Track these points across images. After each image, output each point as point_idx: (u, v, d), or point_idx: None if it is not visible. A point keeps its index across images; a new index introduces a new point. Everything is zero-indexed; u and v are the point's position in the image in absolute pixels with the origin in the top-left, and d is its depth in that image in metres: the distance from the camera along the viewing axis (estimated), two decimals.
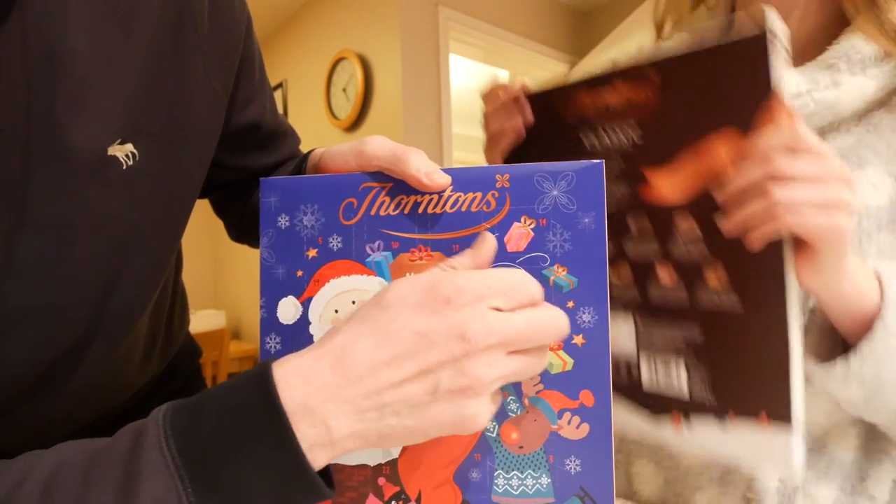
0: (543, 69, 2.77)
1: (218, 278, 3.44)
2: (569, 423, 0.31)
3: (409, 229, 0.33)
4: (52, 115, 0.30)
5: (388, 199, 0.33)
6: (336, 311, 0.34)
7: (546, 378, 0.31)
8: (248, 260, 3.08)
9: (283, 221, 0.35)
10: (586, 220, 0.31)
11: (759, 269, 0.35)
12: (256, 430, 0.24)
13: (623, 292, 0.43)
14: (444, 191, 0.32)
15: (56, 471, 0.24)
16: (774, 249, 0.35)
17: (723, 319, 0.37)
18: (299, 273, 0.35)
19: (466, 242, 0.32)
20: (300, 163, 0.48)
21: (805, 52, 0.47)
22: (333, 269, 0.34)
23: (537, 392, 0.31)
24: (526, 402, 0.31)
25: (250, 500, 0.24)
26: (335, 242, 0.34)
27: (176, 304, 0.55)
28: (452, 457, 0.32)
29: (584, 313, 0.31)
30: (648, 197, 0.40)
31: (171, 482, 0.23)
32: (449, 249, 0.32)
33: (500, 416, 0.32)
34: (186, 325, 0.59)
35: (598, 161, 0.31)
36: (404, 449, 0.33)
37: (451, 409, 0.26)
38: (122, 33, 0.33)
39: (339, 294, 0.34)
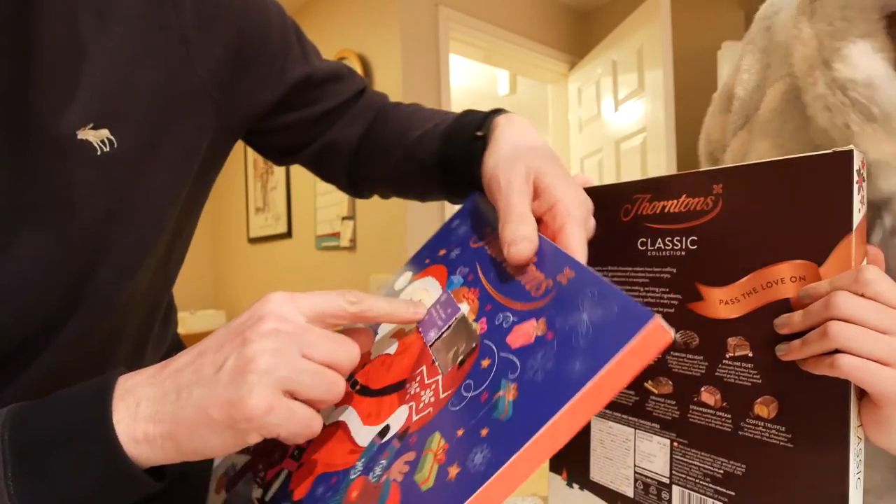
0: (543, 69, 2.77)
1: (218, 278, 3.44)
2: None
3: (486, 272, 0.35)
4: (23, 98, 0.31)
5: (496, 243, 0.36)
6: (410, 298, 0.40)
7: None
8: (248, 260, 3.08)
9: (455, 223, 0.43)
10: (577, 367, 0.24)
11: (817, 403, 0.32)
12: (81, 410, 0.27)
13: (662, 410, 0.40)
14: None
15: None
16: (835, 386, 0.31)
17: (768, 451, 0.34)
18: (427, 261, 0.42)
19: (499, 308, 0.32)
20: (483, 120, 0.45)
21: None
22: (436, 270, 0.40)
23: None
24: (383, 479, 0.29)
25: (69, 484, 0.26)
26: (454, 253, 0.40)
27: (171, 306, 0.55)
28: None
29: (483, 451, 0.25)
30: (698, 310, 0.37)
31: None
32: (486, 303, 0.33)
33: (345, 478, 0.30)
34: (175, 325, 0.59)
35: (653, 318, 0.23)
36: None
37: (231, 384, 0.27)
38: (97, 19, 0.33)
39: (419, 289, 0.40)
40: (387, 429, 0.31)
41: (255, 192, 2.96)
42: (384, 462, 0.29)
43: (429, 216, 2.11)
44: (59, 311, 0.36)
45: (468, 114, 0.48)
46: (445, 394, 0.30)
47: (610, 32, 2.43)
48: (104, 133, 0.34)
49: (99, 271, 0.37)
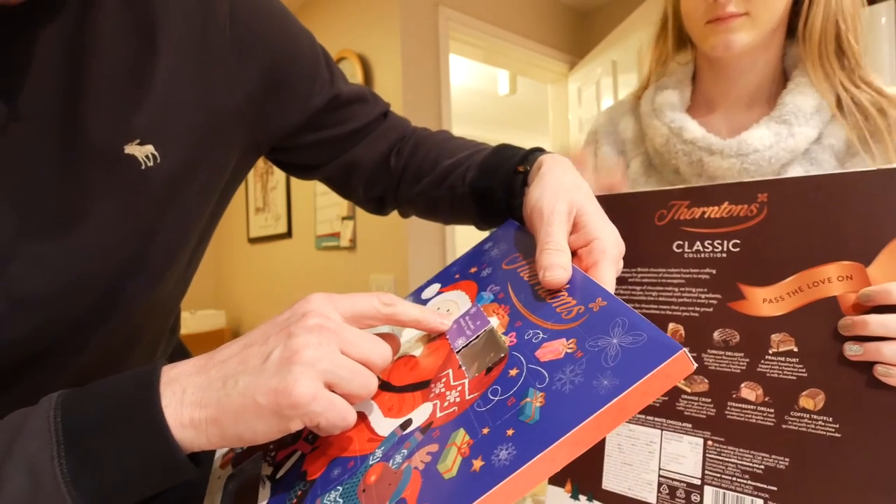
0: (543, 69, 2.77)
1: (218, 278, 3.44)
2: None
3: (517, 292, 0.37)
4: (75, 111, 0.32)
5: (530, 268, 0.38)
6: (438, 308, 0.42)
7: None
8: (248, 260, 3.08)
9: (488, 245, 0.46)
10: (605, 383, 0.26)
11: (866, 392, 0.33)
12: (130, 396, 0.28)
13: (695, 409, 0.39)
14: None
15: None
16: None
17: (814, 443, 0.34)
18: (457, 276, 0.45)
19: (529, 326, 0.33)
20: (525, 156, 0.47)
21: (752, 104, 0.68)
22: (467, 285, 0.43)
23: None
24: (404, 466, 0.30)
25: (117, 465, 0.27)
26: (485, 272, 0.42)
27: (177, 312, 0.56)
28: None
29: (508, 449, 0.26)
30: (740, 309, 0.38)
31: (47, 444, 0.26)
32: (516, 320, 0.35)
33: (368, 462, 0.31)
34: (178, 330, 0.61)
35: (680, 350, 0.25)
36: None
37: (277, 373, 0.28)
38: (147, 39, 0.35)
39: (447, 300, 0.42)
40: (409, 422, 0.33)
41: (255, 192, 2.96)
42: (405, 451, 0.31)
43: None
44: (89, 316, 0.37)
45: (506, 148, 0.51)
46: (471, 396, 0.31)
47: (610, 32, 2.43)
48: (149, 149, 0.35)
49: (130, 281, 0.38)
